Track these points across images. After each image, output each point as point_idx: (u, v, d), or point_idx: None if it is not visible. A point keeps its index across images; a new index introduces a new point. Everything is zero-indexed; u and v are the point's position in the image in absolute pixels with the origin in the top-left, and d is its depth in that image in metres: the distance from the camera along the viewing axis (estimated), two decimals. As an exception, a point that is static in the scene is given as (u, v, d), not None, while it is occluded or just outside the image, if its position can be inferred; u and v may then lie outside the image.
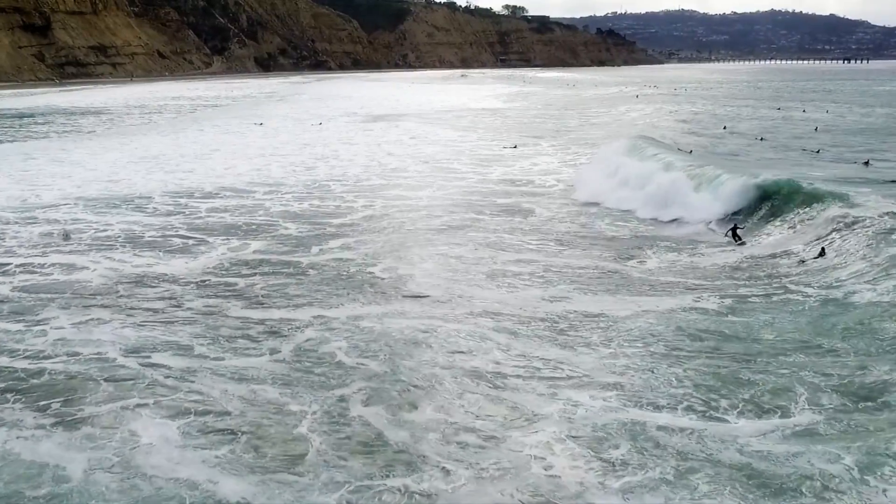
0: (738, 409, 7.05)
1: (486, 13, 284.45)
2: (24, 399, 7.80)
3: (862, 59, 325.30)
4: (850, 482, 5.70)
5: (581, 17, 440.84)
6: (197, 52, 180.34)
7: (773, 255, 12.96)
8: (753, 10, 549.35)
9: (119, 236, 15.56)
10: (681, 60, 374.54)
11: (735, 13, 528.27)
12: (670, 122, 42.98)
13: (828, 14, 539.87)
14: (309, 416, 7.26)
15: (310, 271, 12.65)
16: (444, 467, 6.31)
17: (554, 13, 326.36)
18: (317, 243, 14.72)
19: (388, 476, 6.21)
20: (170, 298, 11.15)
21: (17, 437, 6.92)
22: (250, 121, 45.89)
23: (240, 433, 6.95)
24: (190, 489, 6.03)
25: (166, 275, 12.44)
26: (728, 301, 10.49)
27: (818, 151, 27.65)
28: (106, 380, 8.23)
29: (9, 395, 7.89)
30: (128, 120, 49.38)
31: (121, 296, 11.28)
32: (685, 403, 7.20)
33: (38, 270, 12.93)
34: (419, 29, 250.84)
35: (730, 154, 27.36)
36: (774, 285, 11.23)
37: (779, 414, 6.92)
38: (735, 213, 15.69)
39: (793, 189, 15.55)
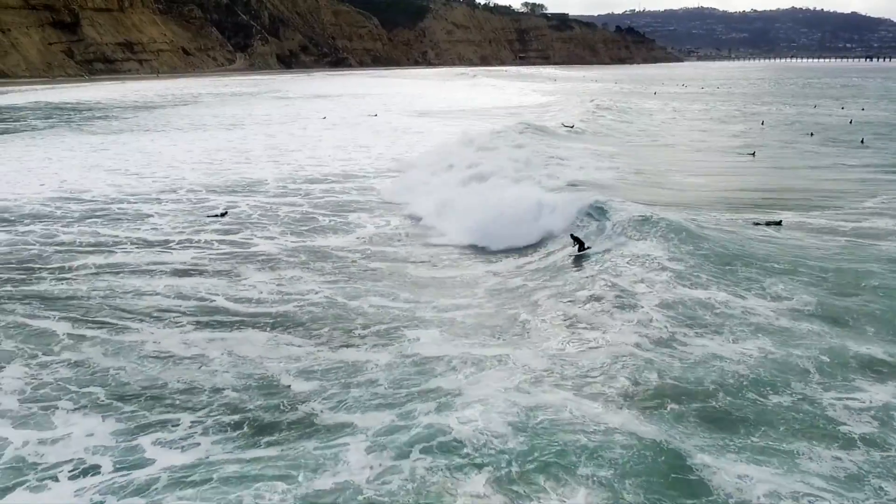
0: None
1: (505, 11, 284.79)
2: (291, 330, 9.40)
3: (884, 58, 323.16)
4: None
5: (599, 15, 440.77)
6: (220, 49, 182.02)
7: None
8: (773, 7, 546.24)
9: (255, 215, 16.76)
10: (700, 58, 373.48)
11: (755, 11, 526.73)
12: (706, 120, 43.92)
13: (849, 12, 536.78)
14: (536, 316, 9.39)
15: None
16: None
17: (573, 11, 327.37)
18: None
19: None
20: (349, 261, 12.39)
21: (312, 353, 8.45)
22: (304, 116, 47.21)
23: (479, 329, 8.97)
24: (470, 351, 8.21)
25: (329, 245, 13.65)
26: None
27: (862, 141, 29.35)
28: (357, 315, 9.74)
29: (276, 327, 9.48)
30: (179, 113, 50.70)
31: (303, 260, 12.48)
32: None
33: (207, 246, 14.12)
34: (439, 26, 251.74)
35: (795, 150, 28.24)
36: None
37: None
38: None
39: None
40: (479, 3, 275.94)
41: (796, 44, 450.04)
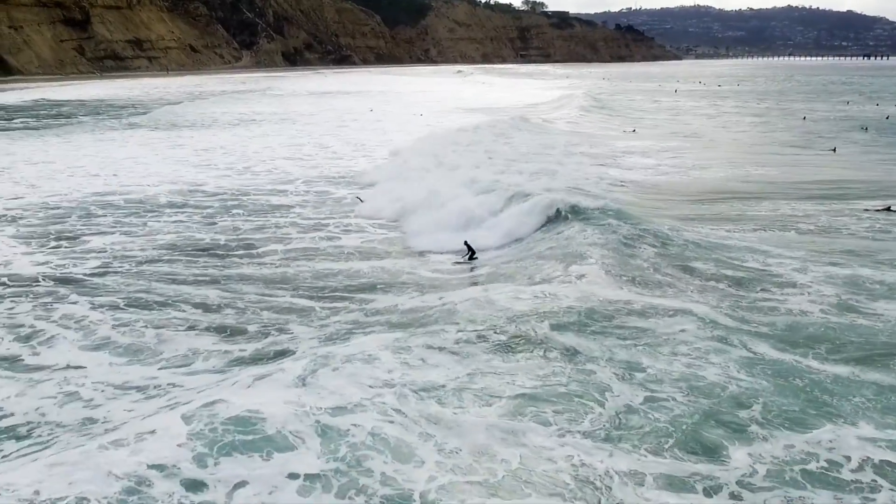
0: None
1: (506, 8, 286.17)
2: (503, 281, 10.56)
3: (882, 56, 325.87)
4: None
5: (596, 13, 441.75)
6: (227, 47, 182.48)
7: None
8: (769, 5, 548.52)
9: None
10: (698, 56, 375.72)
11: (751, 9, 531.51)
12: (748, 116, 45.01)
13: (845, 10, 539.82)
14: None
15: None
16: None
17: (570, 8, 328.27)
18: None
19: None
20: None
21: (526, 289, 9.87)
22: (346, 111, 48.17)
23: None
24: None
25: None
26: None
27: None
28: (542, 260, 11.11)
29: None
30: (216, 110, 51.34)
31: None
32: None
33: (366, 232, 15.08)
34: (441, 24, 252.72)
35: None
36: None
37: None
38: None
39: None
40: (480, 1, 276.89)
41: (792, 42, 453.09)
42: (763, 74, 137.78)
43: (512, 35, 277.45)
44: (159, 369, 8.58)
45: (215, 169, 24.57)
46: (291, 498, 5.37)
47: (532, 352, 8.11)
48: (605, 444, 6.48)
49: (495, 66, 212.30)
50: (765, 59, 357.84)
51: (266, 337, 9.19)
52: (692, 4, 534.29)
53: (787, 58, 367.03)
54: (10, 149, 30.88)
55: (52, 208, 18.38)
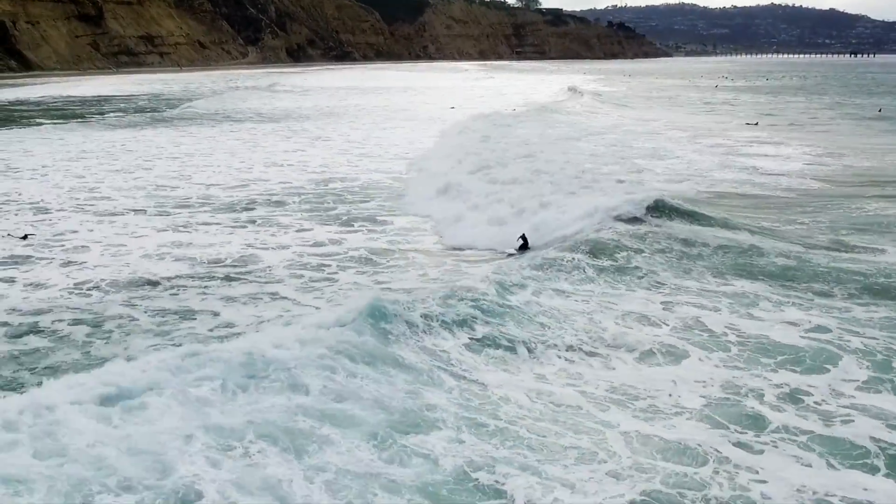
0: None
1: (501, 6, 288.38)
2: None
3: (868, 54, 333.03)
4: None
5: (582, 10, 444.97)
6: (233, 43, 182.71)
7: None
8: (753, 3, 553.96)
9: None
10: (688, 54, 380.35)
11: (735, 7, 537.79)
12: (822, 109, 47.34)
13: (827, 8, 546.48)
14: None
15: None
16: None
17: (557, 5, 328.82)
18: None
19: None
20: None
21: None
22: (417, 108, 50.02)
23: None
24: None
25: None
26: None
27: None
28: None
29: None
30: (279, 105, 52.52)
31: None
32: None
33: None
34: (438, 21, 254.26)
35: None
36: None
37: None
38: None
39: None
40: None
41: (777, 39, 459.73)
42: (769, 71, 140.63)
43: (507, 32, 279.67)
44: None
45: (390, 159, 26.30)
46: None
47: None
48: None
49: (494, 62, 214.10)
50: (754, 56, 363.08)
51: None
52: (677, 2, 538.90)
53: (774, 55, 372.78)
54: (154, 140, 32.43)
55: (295, 193, 20.07)
